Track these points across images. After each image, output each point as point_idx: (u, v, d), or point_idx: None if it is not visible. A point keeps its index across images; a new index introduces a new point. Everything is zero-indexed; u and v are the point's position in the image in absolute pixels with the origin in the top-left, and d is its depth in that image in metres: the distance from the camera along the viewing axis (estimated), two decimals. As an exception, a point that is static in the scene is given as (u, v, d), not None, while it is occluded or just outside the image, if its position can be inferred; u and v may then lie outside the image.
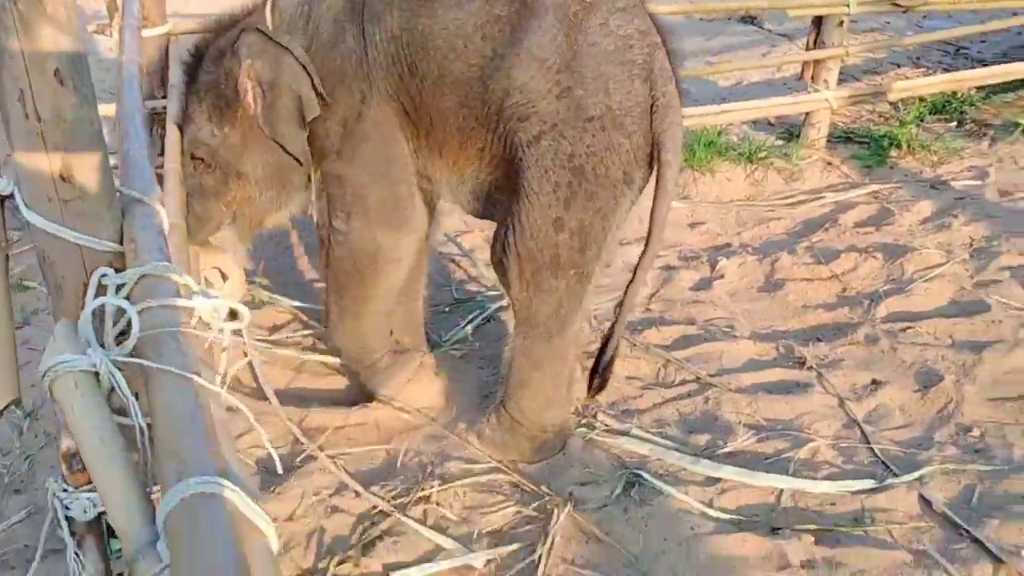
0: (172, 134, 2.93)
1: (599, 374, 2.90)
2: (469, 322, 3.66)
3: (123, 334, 1.28)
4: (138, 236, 1.37)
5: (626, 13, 2.58)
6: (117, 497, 1.20)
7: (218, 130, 2.90)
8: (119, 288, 1.30)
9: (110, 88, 5.48)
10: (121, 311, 1.26)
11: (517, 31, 2.55)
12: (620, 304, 2.81)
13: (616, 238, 2.84)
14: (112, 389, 1.27)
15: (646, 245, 2.72)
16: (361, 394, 3.19)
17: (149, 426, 1.21)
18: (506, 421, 2.88)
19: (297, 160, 2.88)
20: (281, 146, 2.85)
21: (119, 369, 1.26)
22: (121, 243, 1.41)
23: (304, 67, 2.73)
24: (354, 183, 2.85)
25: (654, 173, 2.66)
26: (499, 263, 2.76)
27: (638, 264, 2.74)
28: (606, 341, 2.85)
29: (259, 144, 2.88)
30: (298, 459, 2.86)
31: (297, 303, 3.74)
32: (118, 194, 1.44)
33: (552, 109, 2.53)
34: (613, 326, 2.83)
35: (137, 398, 1.25)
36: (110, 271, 1.33)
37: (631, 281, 2.77)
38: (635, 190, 2.71)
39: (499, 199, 2.76)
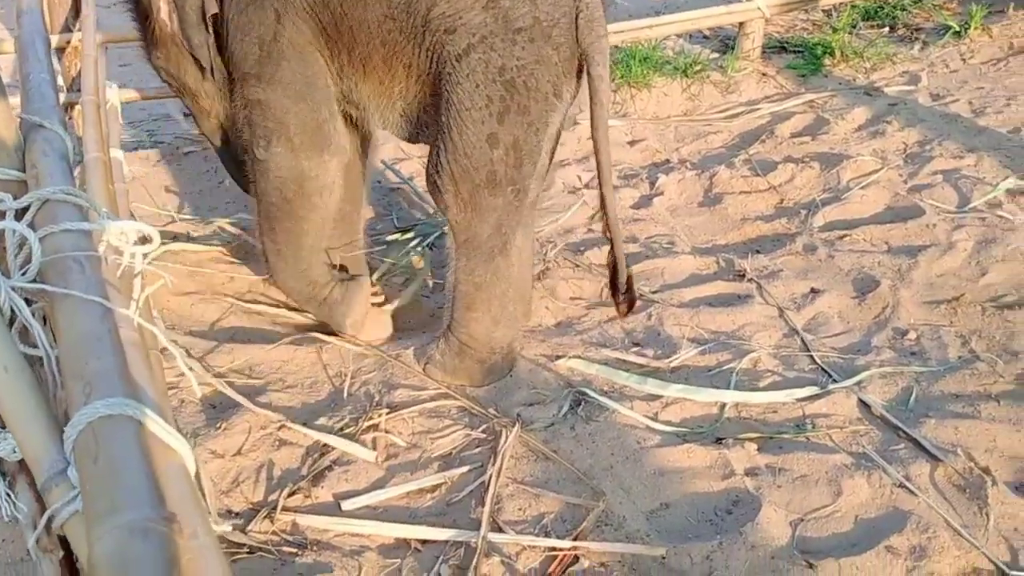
0: (89, 67, 2.81)
1: (623, 294, 2.88)
2: (411, 249, 3.62)
3: (27, 262, 1.22)
4: (40, 162, 1.30)
5: None
6: (25, 426, 1.14)
7: (160, 52, 2.84)
8: (22, 214, 1.23)
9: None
10: (24, 239, 1.20)
11: None
12: (606, 224, 2.77)
13: (550, 155, 2.80)
14: (15, 319, 1.21)
15: (598, 164, 2.70)
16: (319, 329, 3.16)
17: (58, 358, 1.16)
18: (455, 345, 2.86)
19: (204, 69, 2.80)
20: (194, 58, 2.77)
21: (24, 299, 1.19)
22: (24, 171, 1.33)
23: None
24: (273, 107, 2.75)
25: (586, 89, 2.62)
26: (434, 185, 2.71)
27: (600, 182, 2.72)
28: (614, 265, 2.82)
29: (187, 59, 2.81)
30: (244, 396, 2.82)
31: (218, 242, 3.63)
32: (18, 120, 1.36)
33: (480, 20, 2.47)
34: (612, 248, 2.81)
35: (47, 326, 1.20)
36: (7, 196, 1.25)
37: (602, 201, 2.74)
38: (565, 104, 2.67)
39: (430, 119, 2.70)
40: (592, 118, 2.62)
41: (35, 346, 1.12)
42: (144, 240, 1.22)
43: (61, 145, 1.30)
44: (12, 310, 1.10)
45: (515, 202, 2.68)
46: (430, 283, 3.47)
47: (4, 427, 1.40)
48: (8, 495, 1.39)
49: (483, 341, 2.84)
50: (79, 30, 3.60)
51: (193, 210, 3.94)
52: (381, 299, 3.27)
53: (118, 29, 4.61)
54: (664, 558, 2.18)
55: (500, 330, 2.84)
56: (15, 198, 1.18)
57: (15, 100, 2.18)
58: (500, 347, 2.86)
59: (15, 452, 1.40)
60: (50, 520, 0.97)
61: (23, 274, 1.12)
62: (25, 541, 2.26)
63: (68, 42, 3.72)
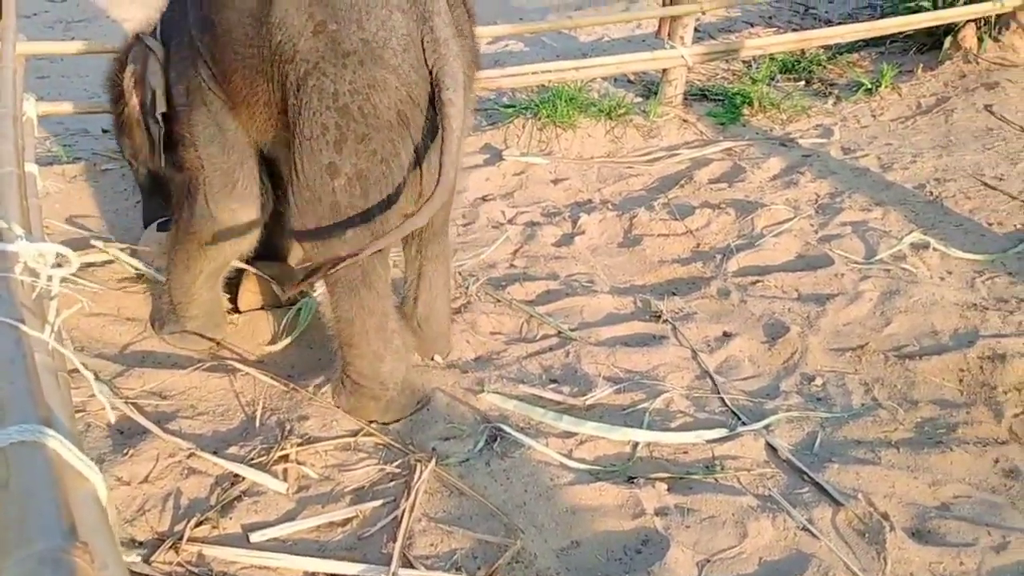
0: (7, 79, 2.74)
1: None
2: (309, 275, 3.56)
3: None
4: (-50, 178, 1.27)
5: None
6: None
7: (125, 130, 3.13)
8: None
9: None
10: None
11: None
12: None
13: (413, 188, 2.63)
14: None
15: (433, 189, 2.44)
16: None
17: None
18: (348, 383, 2.82)
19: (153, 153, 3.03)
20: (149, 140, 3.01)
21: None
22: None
23: (162, 67, 2.87)
24: (194, 159, 2.86)
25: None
26: (287, 219, 2.68)
27: (422, 205, 2.48)
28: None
29: (144, 140, 3.06)
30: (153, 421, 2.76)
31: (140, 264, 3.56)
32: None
33: (311, 46, 2.41)
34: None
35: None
36: None
37: (410, 216, 2.53)
38: (419, 132, 2.54)
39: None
40: (442, 141, 2.44)
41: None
42: (60, 263, 1.20)
43: (-22, 162, 1.27)
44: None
45: (366, 232, 2.57)
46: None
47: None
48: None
49: (371, 377, 2.78)
50: (-3, 40, 3.50)
51: (108, 228, 3.86)
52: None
53: (38, 42, 4.54)
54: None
55: (387, 364, 2.77)
56: (-71, 216, 1.15)
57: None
58: (392, 382, 2.80)
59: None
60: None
61: (-65, 296, 1.09)
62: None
63: (-16, 52, 3.61)
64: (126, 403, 2.78)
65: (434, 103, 2.48)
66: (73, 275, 1.30)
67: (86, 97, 4.89)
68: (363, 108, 2.43)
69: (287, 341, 3.27)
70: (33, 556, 0.68)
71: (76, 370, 1.64)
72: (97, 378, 2.81)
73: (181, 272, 3.08)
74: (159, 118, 2.93)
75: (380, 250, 2.59)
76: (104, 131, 4.80)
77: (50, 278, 1.15)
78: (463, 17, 2.69)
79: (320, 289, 3.32)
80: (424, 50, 2.45)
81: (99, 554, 0.76)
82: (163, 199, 3.36)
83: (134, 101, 2.97)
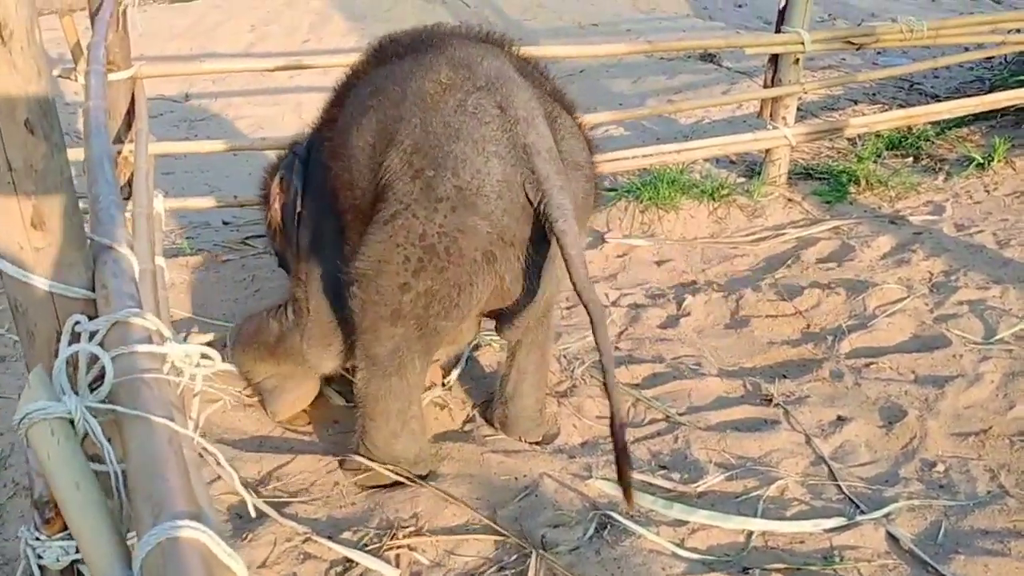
0: (141, 180, 2.93)
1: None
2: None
3: (96, 380, 1.27)
4: (109, 283, 1.36)
5: (487, 91, 2.56)
6: (93, 542, 1.18)
7: (271, 232, 3.33)
8: (92, 335, 1.30)
9: (76, 132, 5.46)
10: (94, 358, 1.26)
11: (389, 122, 2.61)
12: (606, 388, 2.68)
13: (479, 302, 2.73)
14: (86, 435, 1.27)
15: (592, 322, 2.56)
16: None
17: (124, 472, 1.20)
18: (362, 451, 2.99)
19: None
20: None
21: (93, 416, 1.25)
22: (93, 290, 1.40)
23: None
24: (302, 301, 3.13)
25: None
26: (348, 299, 2.79)
27: (596, 338, 2.58)
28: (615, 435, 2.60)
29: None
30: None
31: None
32: (88, 241, 1.43)
33: (407, 189, 2.53)
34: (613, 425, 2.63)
35: (110, 443, 1.25)
36: (83, 318, 1.32)
37: (602, 365, 2.63)
38: (504, 266, 2.63)
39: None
40: (568, 270, 2.51)
41: (96, 459, 1.17)
42: (202, 362, 1.28)
43: (128, 267, 1.37)
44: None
45: (416, 333, 2.73)
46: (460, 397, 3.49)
47: (49, 536, 1.44)
48: (49, 607, 1.42)
49: (384, 451, 2.94)
50: (131, 141, 3.75)
51: (229, 316, 4.02)
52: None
53: (166, 142, 4.83)
54: None
55: (400, 443, 2.93)
56: (89, 319, 1.24)
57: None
58: (404, 460, 2.96)
59: (58, 561, 1.43)
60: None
61: (94, 390, 1.17)
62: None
63: (119, 153, 3.87)
64: (248, 487, 2.86)
65: (532, 237, 2.59)
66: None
67: (208, 191, 5.16)
68: (449, 249, 2.55)
69: (453, 380, 3.49)
70: (189, 649, 0.72)
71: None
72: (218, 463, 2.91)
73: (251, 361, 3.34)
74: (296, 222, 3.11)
75: (422, 347, 2.79)
76: (225, 223, 5.04)
77: (193, 376, 1.23)
78: (578, 148, 2.76)
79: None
80: (525, 191, 2.52)
81: (247, 648, 0.80)
82: None
83: (276, 205, 3.16)
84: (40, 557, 1.43)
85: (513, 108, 2.54)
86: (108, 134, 2.14)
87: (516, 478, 2.96)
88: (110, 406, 1.13)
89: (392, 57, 2.85)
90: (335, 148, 2.81)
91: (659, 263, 4.63)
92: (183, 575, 0.83)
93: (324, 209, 2.95)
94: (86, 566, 1.44)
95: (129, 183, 3.66)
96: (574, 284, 2.53)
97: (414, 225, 2.53)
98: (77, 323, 1.22)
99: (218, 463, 1.24)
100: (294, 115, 6.35)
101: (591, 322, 2.57)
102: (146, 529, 0.89)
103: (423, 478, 2.96)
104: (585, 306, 2.56)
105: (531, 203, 2.53)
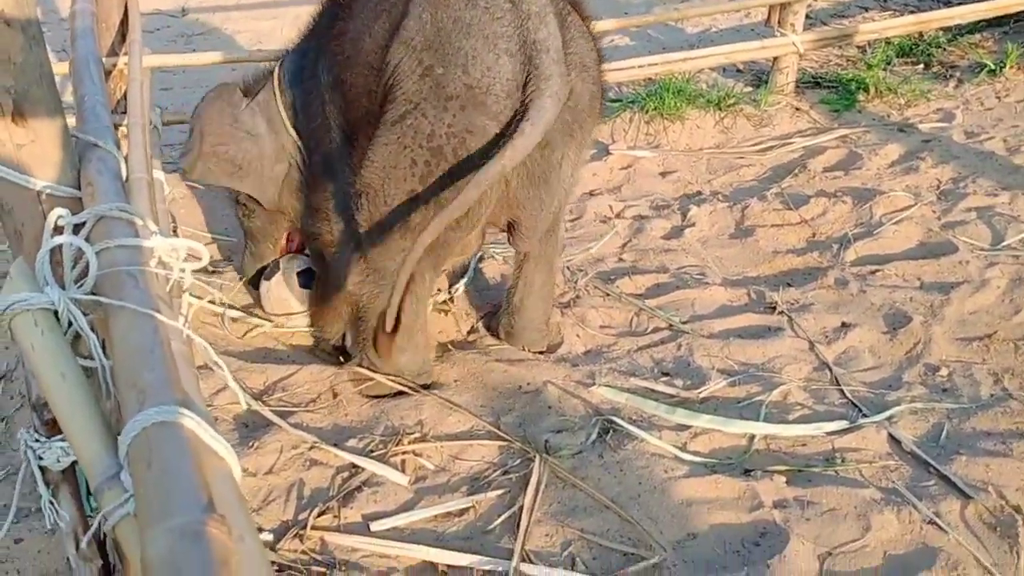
0: (135, 91, 2.87)
1: None
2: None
3: (81, 277, 1.26)
4: (95, 180, 1.34)
5: None
6: (79, 431, 1.18)
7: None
8: (77, 229, 1.28)
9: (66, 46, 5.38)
10: (79, 253, 1.24)
11: (396, 22, 2.51)
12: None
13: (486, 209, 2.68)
14: (75, 334, 1.26)
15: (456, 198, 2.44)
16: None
17: (111, 369, 1.20)
18: (365, 364, 3.01)
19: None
20: None
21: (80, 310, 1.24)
22: (79, 189, 1.38)
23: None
24: (326, 234, 3.08)
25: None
26: (351, 217, 2.75)
27: (437, 216, 2.48)
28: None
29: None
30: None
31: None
32: (74, 139, 1.41)
33: (416, 88, 2.46)
34: None
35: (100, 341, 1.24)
36: (66, 211, 1.29)
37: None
38: (512, 173, 2.57)
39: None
40: (495, 156, 2.38)
41: (87, 357, 1.16)
42: (192, 257, 1.26)
43: (114, 164, 1.34)
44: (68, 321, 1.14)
45: (426, 248, 2.64)
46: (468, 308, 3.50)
47: (49, 437, 1.45)
48: (52, 503, 1.44)
49: (388, 364, 2.97)
50: (125, 54, 3.67)
51: (230, 230, 4.01)
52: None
53: (162, 55, 4.75)
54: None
55: (405, 357, 2.95)
56: (73, 214, 1.22)
57: (70, 120, 2.27)
58: (408, 372, 2.97)
59: (59, 462, 1.44)
60: (100, 523, 0.99)
61: (79, 287, 1.16)
62: (62, 551, 2.31)
63: (114, 66, 3.80)
64: (254, 397, 2.89)
65: (539, 140, 2.44)
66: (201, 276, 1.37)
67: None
68: (457, 151, 2.48)
69: (460, 292, 3.51)
70: (175, 528, 0.72)
71: (203, 367, 1.73)
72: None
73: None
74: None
75: (432, 261, 2.76)
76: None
77: (182, 271, 1.22)
78: (586, 49, 2.66)
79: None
80: (525, 89, 2.43)
81: (236, 527, 0.79)
82: (272, 245, 3.45)
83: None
84: (40, 458, 1.44)
85: (525, 3, 2.45)
86: (95, 37, 2.10)
87: (519, 386, 2.97)
88: (94, 297, 1.12)
89: None
90: (342, 50, 2.70)
91: (664, 174, 4.58)
92: (170, 460, 0.82)
93: (326, 124, 2.88)
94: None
95: (124, 97, 3.60)
96: (477, 174, 2.38)
97: (422, 125, 2.47)
98: (60, 216, 1.20)
99: (209, 360, 1.24)
100: (292, 28, 6.23)
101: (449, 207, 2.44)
102: (131, 416, 0.88)
103: (426, 387, 2.98)
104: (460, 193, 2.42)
105: (523, 100, 2.43)
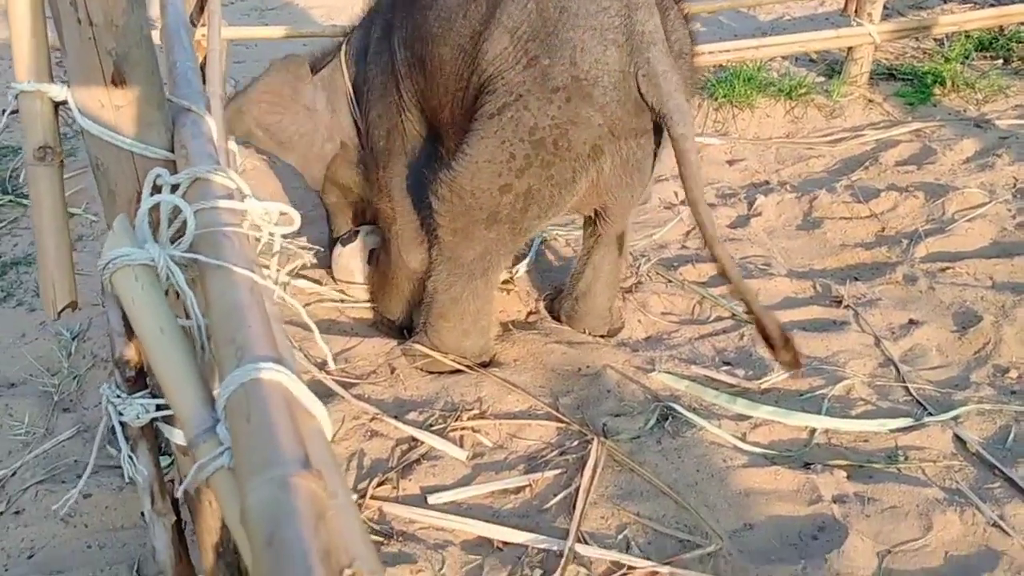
0: (214, 61, 2.93)
1: (782, 349, 2.56)
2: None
3: (177, 235, 1.29)
4: (189, 144, 1.37)
5: None
6: (177, 384, 1.20)
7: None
8: (173, 190, 1.31)
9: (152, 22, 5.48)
10: (176, 212, 1.27)
11: (493, 5, 2.45)
12: (731, 286, 2.62)
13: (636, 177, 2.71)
14: (169, 288, 1.29)
15: (699, 224, 2.56)
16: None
17: (207, 328, 1.23)
18: (427, 344, 3.00)
19: None
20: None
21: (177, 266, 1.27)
22: (172, 151, 1.41)
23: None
24: (387, 210, 3.12)
25: (673, 147, 2.47)
26: (435, 203, 2.71)
27: (705, 240, 2.57)
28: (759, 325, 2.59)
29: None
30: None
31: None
32: (168, 103, 1.44)
33: (519, 79, 2.41)
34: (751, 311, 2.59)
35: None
36: (164, 171, 1.32)
37: (715, 259, 2.59)
38: (608, 161, 2.57)
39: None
40: (683, 179, 2.50)
41: (185, 315, 1.20)
42: (284, 220, 1.29)
43: (207, 128, 1.37)
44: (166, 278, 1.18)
45: (509, 236, 2.70)
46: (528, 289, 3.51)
47: (130, 393, 1.49)
48: (131, 458, 1.48)
49: (453, 348, 2.97)
50: (203, 25, 3.74)
51: (298, 203, 4.06)
52: None
53: (238, 27, 4.82)
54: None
55: (470, 340, 2.97)
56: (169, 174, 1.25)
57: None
58: (471, 355, 2.99)
59: (138, 418, 1.49)
60: (193, 474, 1.02)
61: (176, 245, 1.19)
62: (129, 508, 2.38)
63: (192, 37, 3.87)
64: (320, 369, 2.93)
65: (637, 132, 2.52)
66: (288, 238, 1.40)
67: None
68: (558, 142, 2.46)
69: (521, 273, 3.53)
70: (274, 480, 0.74)
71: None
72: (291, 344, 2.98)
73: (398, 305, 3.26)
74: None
75: (509, 247, 2.77)
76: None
77: (272, 234, 1.24)
78: (684, 39, 2.62)
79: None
80: (638, 83, 2.41)
81: (330, 482, 0.82)
82: (351, 217, 3.51)
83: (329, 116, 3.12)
84: (121, 414, 1.48)
85: None
86: (184, 4, 2.14)
87: (579, 368, 2.98)
88: (192, 254, 1.15)
89: None
90: (427, 27, 2.64)
91: (731, 162, 4.54)
92: (267, 415, 0.84)
93: (399, 103, 2.87)
94: (164, 424, 1.49)
95: (202, 67, 3.67)
96: (688, 192, 2.48)
97: (525, 118, 2.43)
98: (159, 176, 1.23)
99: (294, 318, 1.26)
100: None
101: (703, 237, 2.55)
102: (229, 370, 0.90)
103: (484, 366, 2.99)
104: (696, 219, 2.55)
105: (642, 96, 2.43)
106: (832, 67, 5.39)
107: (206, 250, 1.12)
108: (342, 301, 3.45)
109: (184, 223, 1.18)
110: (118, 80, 1.27)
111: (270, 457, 0.77)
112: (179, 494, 1.28)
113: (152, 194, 1.23)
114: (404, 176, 2.96)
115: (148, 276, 1.20)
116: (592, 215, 2.90)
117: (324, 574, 0.66)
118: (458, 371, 2.97)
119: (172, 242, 1.22)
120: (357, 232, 3.44)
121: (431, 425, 2.72)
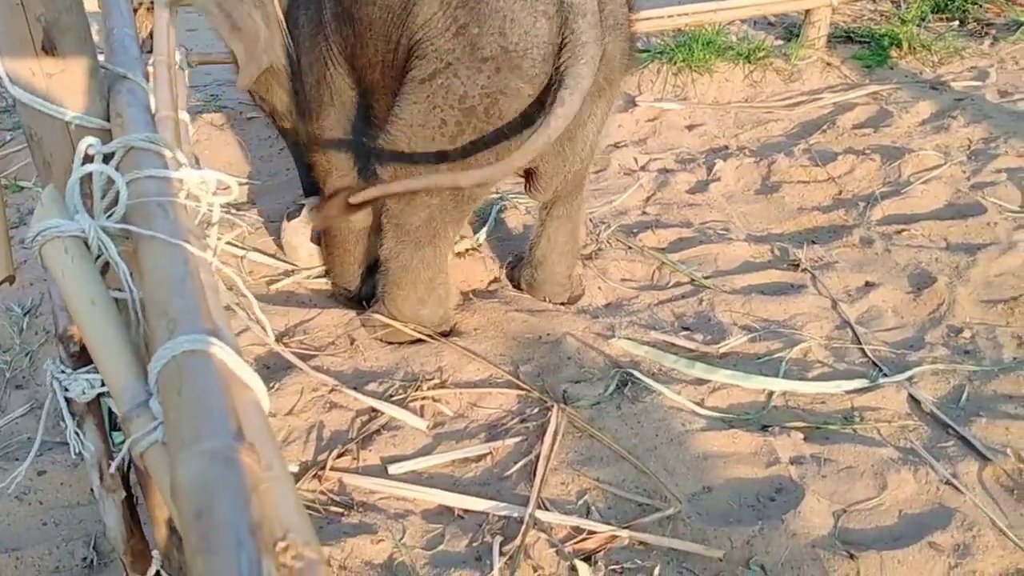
0: (161, 28, 2.85)
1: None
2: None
3: (110, 207, 1.26)
4: (125, 112, 1.33)
5: None
6: (109, 357, 1.18)
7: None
8: (107, 159, 1.27)
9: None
10: (109, 183, 1.23)
11: None
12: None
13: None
14: (104, 265, 1.26)
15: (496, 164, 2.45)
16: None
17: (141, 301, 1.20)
18: (385, 314, 2.99)
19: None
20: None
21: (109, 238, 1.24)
22: (108, 120, 1.37)
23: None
24: (321, 162, 3.07)
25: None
26: (376, 172, 2.69)
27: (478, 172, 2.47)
28: None
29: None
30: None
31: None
32: (103, 71, 1.40)
33: (448, 47, 2.37)
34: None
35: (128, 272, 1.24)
36: (96, 140, 1.28)
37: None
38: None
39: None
40: (536, 128, 2.32)
41: (115, 289, 1.17)
42: (221, 191, 1.26)
43: (143, 96, 1.33)
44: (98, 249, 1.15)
45: (452, 203, 2.68)
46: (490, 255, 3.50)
47: (75, 368, 1.46)
48: (77, 434, 1.45)
49: (409, 317, 2.96)
50: (151, -9, 3.67)
51: (254, 174, 4.01)
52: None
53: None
54: (722, 559, 2.18)
55: (427, 309, 2.95)
56: (102, 144, 1.22)
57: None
58: (428, 324, 2.98)
59: (84, 393, 1.46)
60: (127, 451, 1.00)
61: (109, 216, 1.16)
62: (84, 484, 2.35)
63: (140, 3, 3.79)
64: (277, 341, 2.90)
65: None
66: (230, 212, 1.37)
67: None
68: (489, 111, 2.43)
69: (482, 240, 3.50)
70: (206, 452, 0.73)
71: (225, 307, 1.73)
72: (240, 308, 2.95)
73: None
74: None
75: (457, 215, 2.75)
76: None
77: (211, 204, 1.21)
78: (620, 9, 2.56)
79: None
80: (561, 53, 2.35)
81: (264, 455, 0.80)
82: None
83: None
84: (66, 390, 1.45)
85: None
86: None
87: (539, 336, 2.98)
88: (124, 226, 1.12)
89: None
90: (343, 14, 2.64)
91: (690, 127, 4.54)
92: (200, 387, 0.83)
93: (325, 58, 2.79)
94: (111, 399, 1.46)
95: (150, 36, 3.59)
96: (524, 144, 2.34)
97: (455, 85, 2.40)
98: (90, 145, 1.20)
99: (235, 298, 1.24)
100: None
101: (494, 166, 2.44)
102: (161, 343, 0.88)
103: (445, 335, 2.98)
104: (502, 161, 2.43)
105: (556, 66, 2.37)
106: (790, 30, 5.40)
107: (139, 221, 1.09)
108: (292, 273, 3.40)
109: (118, 194, 1.15)
110: (48, 47, 1.23)
111: (201, 430, 0.75)
112: (113, 469, 1.26)
113: (84, 163, 1.19)
114: (337, 131, 2.91)
115: (78, 248, 1.16)
116: (524, 177, 2.86)
117: (255, 547, 0.65)
118: (418, 341, 2.96)
119: (107, 213, 1.19)
120: (302, 207, 3.39)
121: (391, 395, 2.70)
